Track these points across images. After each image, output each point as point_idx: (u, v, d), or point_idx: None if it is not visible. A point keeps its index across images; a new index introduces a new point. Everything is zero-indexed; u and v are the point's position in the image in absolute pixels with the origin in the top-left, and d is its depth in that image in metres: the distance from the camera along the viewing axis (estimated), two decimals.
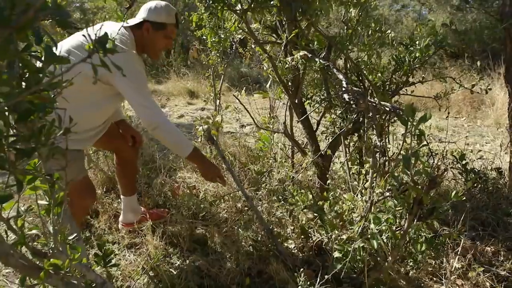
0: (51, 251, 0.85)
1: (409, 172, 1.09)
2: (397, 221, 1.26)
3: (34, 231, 0.87)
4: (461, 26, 7.74)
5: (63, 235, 0.88)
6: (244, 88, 2.17)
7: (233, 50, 3.05)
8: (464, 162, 2.01)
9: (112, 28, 1.61)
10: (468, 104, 5.74)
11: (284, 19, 1.80)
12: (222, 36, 2.16)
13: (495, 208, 1.96)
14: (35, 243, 1.58)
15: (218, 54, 2.79)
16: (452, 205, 1.82)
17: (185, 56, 11.57)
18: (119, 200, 2.37)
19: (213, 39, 2.66)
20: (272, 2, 1.69)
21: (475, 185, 2.09)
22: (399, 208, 1.23)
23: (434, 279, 1.57)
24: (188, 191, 2.28)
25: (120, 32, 1.57)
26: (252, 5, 1.58)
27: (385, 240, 1.27)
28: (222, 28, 2.56)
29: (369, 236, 1.30)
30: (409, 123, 1.08)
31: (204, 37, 2.74)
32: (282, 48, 1.85)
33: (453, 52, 7.48)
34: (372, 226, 1.24)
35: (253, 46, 2.04)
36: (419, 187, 1.12)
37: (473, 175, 1.97)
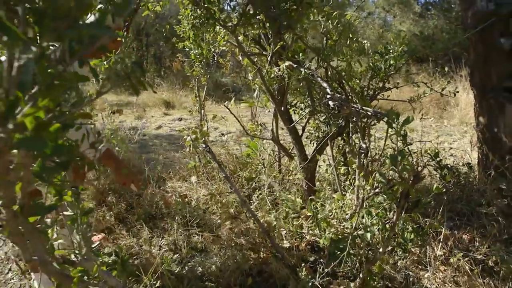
0: (79, 259, 0.91)
1: (396, 169, 1.22)
2: (387, 213, 1.39)
3: (60, 241, 0.92)
4: (423, 31, 8.22)
5: (89, 243, 0.93)
6: (233, 98, 2.27)
7: (214, 61, 3.14)
8: (438, 159, 2.18)
9: None
10: (434, 105, 6.10)
11: (270, 32, 1.91)
12: (212, 49, 2.25)
13: (468, 200, 2.14)
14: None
15: (201, 66, 2.87)
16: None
17: (158, 67, 11.52)
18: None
19: (196, 51, 2.75)
20: (258, 18, 1.81)
21: (449, 179, 2.28)
22: (388, 202, 1.36)
23: (420, 266, 1.71)
24: (180, 199, 2.33)
25: None
26: (241, 21, 1.68)
27: (376, 233, 1.40)
28: (204, 41, 2.65)
29: (361, 230, 1.42)
30: (394, 125, 1.22)
31: (187, 49, 2.82)
32: (269, 59, 1.96)
33: (417, 57, 7.91)
34: (365, 220, 1.36)
35: (240, 57, 2.14)
36: (405, 182, 1.25)
37: (447, 171, 2.15)
